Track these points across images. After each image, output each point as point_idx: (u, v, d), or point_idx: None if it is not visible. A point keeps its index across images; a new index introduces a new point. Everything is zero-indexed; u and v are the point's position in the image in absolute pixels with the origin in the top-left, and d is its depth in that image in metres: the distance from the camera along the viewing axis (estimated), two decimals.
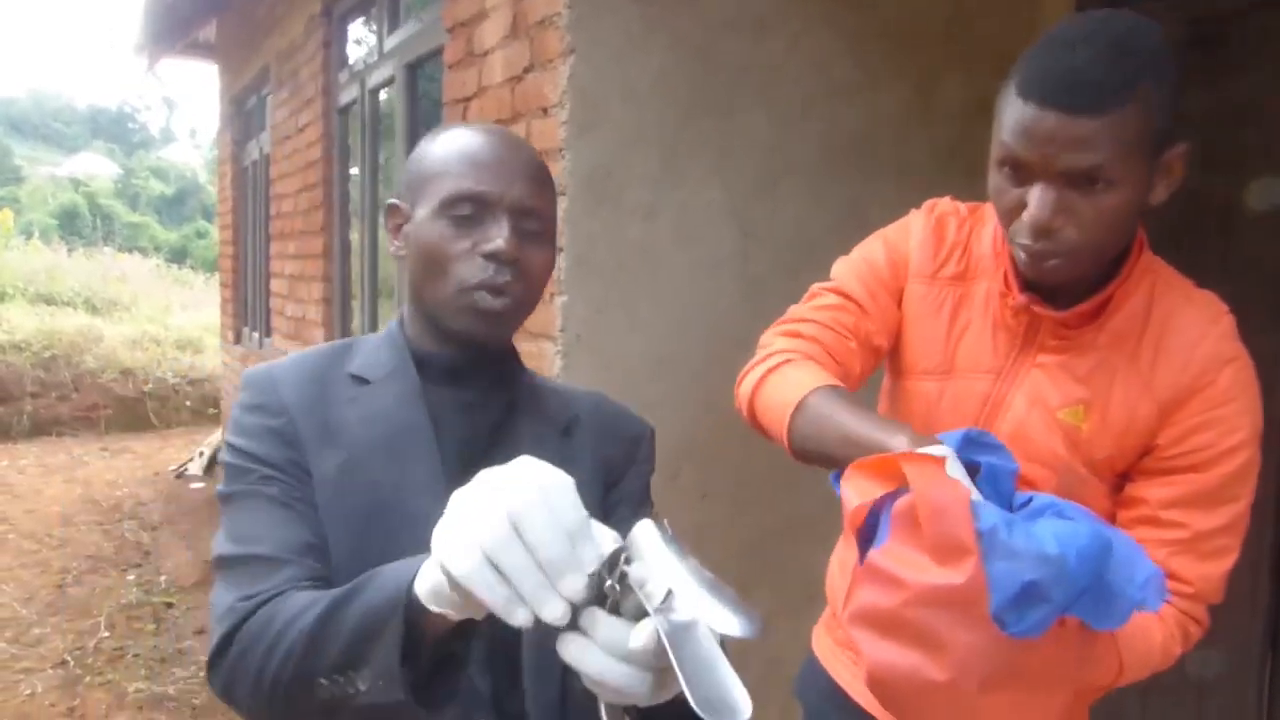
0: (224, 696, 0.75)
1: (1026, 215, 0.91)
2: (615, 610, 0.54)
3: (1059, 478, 1.00)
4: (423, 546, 0.71)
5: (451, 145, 0.88)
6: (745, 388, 1.08)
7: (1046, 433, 1.00)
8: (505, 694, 0.83)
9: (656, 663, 0.52)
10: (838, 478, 0.85)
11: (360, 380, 0.89)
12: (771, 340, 1.11)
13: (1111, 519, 1.02)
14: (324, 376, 0.88)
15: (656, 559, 0.53)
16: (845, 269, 1.15)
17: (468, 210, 0.85)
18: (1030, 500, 0.82)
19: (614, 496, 0.94)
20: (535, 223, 0.87)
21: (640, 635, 0.51)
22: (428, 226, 0.86)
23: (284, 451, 0.83)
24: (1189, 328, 0.97)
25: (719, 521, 2.01)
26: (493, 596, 0.52)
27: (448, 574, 0.54)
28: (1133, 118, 0.86)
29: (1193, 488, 0.96)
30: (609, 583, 0.54)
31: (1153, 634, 0.94)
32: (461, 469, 0.82)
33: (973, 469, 0.82)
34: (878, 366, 1.16)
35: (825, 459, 0.93)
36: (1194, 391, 0.96)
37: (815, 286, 1.17)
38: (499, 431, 0.90)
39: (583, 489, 0.87)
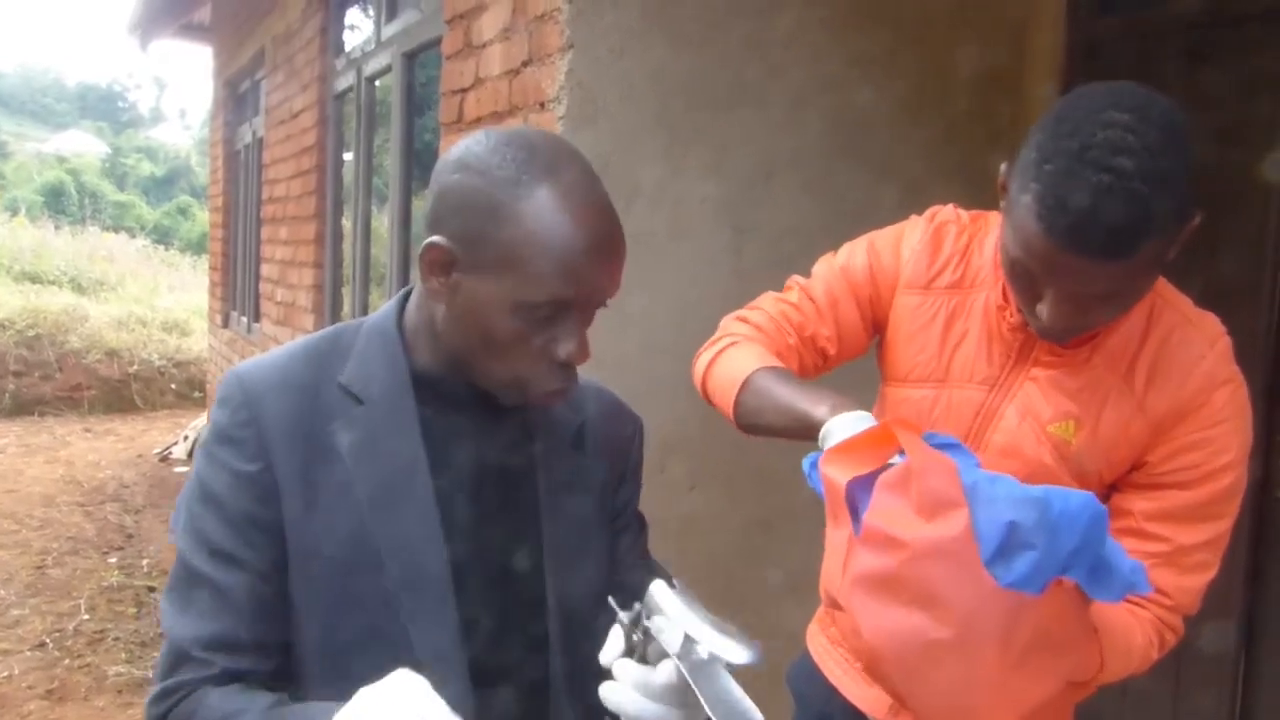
0: None
1: (1043, 316, 0.92)
2: (642, 659, 0.66)
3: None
4: (406, 611, 0.77)
5: (549, 235, 0.73)
6: (699, 366, 1.16)
7: (1036, 445, 1.02)
8: (527, 663, 0.83)
9: (681, 700, 0.62)
10: (813, 465, 0.88)
11: (351, 396, 0.80)
12: (728, 324, 1.19)
13: None
14: (312, 388, 0.80)
15: (671, 610, 0.64)
16: (822, 269, 1.19)
17: (549, 312, 0.75)
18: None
19: (620, 497, 0.94)
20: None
21: (662, 673, 0.62)
22: (497, 315, 0.75)
23: (253, 507, 0.77)
24: (1188, 348, 0.98)
25: (707, 513, 2.02)
26: None
27: None
28: (1155, 246, 0.84)
29: (1178, 503, 0.97)
30: (635, 636, 0.66)
31: (1134, 636, 0.96)
32: (466, 499, 0.81)
33: None
34: (826, 368, 1.19)
35: (767, 430, 1.04)
36: (1188, 411, 0.96)
37: (791, 279, 1.21)
38: (510, 452, 0.85)
39: (594, 500, 0.89)
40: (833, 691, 1.21)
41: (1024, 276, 0.91)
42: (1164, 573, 0.96)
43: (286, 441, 0.77)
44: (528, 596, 0.83)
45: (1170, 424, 0.97)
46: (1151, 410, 0.98)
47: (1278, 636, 1.95)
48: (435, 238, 0.76)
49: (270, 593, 0.77)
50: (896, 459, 0.82)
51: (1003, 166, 0.95)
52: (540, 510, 0.85)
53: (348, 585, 0.77)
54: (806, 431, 0.94)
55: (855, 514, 0.82)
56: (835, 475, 0.83)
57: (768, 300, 1.20)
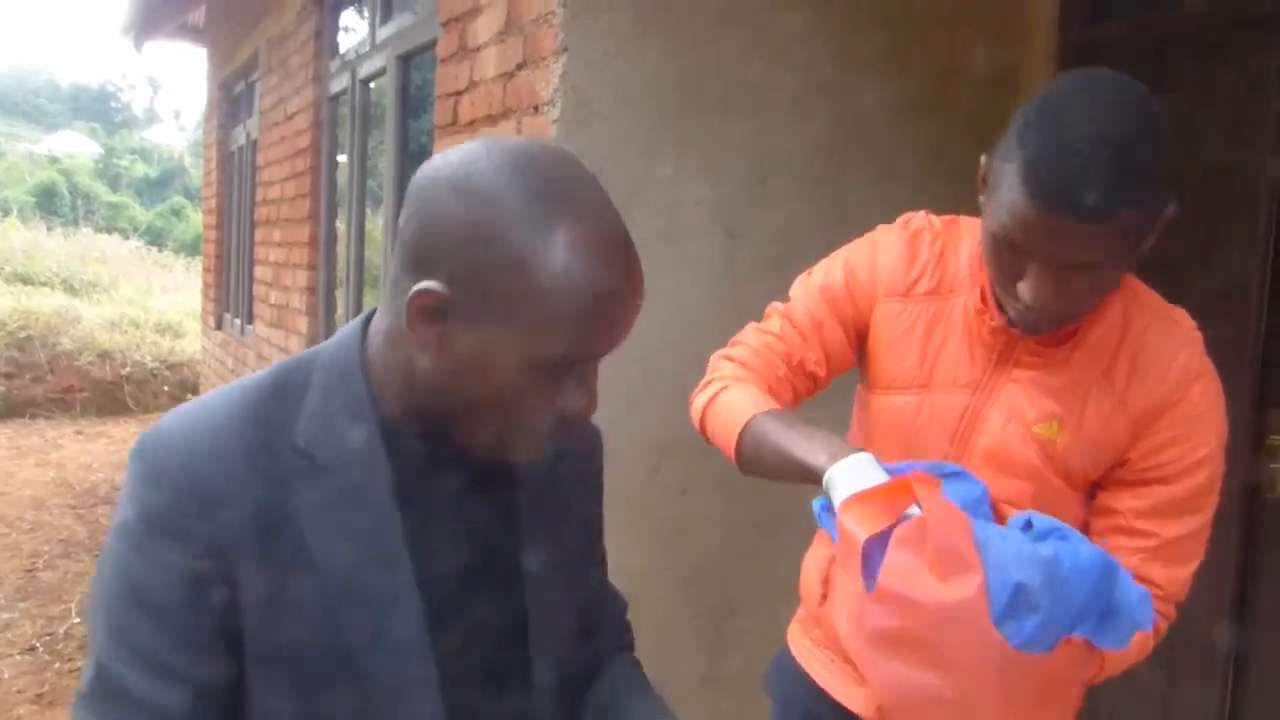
0: None
1: (1024, 293, 0.93)
2: None
3: (1035, 489, 1.03)
4: (387, 710, 0.68)
5: (577, 286, 0.62)
6: (696, 409, 1.15)
7: (1023, 446, 1.03)
8: (516, 667, 0.78)
9: None
10: (824, 507, 0.89)
11: (310, 461, 0.67)
12: (717, 364, 1.17)
13: (1085, 526, 1.05)
14: (262, 452, 0.66)
15: None
16: (799, 292, 1.19)
17: (564, 367, 0.66)
18: (1030, 522, 0.85)
19: (593, 520, 0.91)
20: None
21: None
22: (502, 370, 0.64)
23: (202, 610, 0.64)
24: (1163, 345, 1.01)
25: (700, 516, 2.03)
26: None
27: None
28: (1138, 214, 0.87)
29: (1162, 498, 1.00)
30: None
31: None
32: (448, 571, 0.73)
33: None
34: (816, 391, 1.19)
35: (770, 475, 1.03)
36: (1167, 406, 0.99)
37: (770, 307, 1.21)
38: (493, 508, 0.76)
39: (570, 520, 0.85)
40: (820, 692, 1.21)
41: (1006, 251, 0.93)
42: (1154, 566, 1.00)
43: (240, 525, 0.64)
44: (513, 671, 0.78)
45: (1150, 420, 1.00)
46: (1132, 407, 1.00)
47: (1269, 632, 1.97)
48: (429, 284, 0.62)
49: (215, 708, 0.66)
50: (914, 509, 0.83)
51: (982, 159, 0.97)
52: (524, 572, 0.78)
53: (319, 681, 0.67)
54: (809, 479, 0.95)
55: (867, 565, 0.83)
56: (853, 529, 0.83)
57: (750, 334, 1.19)
